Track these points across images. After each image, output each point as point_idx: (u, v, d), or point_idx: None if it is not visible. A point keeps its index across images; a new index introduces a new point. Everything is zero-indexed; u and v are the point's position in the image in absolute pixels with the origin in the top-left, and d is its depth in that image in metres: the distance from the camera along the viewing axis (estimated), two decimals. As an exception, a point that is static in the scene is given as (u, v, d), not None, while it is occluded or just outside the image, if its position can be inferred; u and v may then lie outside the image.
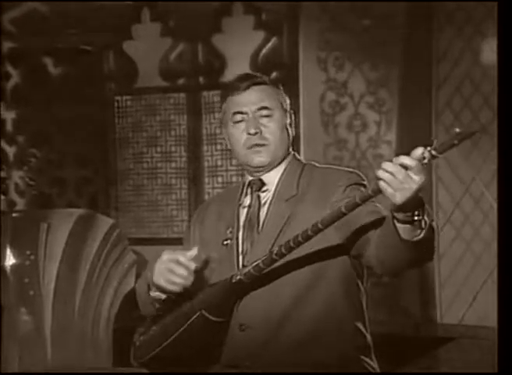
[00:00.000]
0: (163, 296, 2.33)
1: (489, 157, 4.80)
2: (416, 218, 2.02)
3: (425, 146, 1.94)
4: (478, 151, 4.87)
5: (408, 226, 2.03)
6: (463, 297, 5.02)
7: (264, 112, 2.40)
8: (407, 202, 1.98)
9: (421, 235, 2.04)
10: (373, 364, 2.40)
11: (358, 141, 5.28)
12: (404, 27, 5.17)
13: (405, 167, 1.95)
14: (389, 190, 1.97)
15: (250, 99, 2.40)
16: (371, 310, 2.42)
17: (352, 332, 2.36)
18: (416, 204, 2.00)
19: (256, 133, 2.38)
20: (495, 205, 4.80)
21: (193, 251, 2.29)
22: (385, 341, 2.71)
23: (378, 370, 2.40)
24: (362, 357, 2.37)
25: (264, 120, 2.40)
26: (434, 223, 2.09)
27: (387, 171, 1.96)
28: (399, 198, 1.97)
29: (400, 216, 2.02)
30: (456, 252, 5.02)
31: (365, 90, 5.28)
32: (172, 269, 2.24)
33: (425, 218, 2.03)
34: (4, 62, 5.75)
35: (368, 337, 2.39)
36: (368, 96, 5.27)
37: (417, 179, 1.96)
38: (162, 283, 2.26)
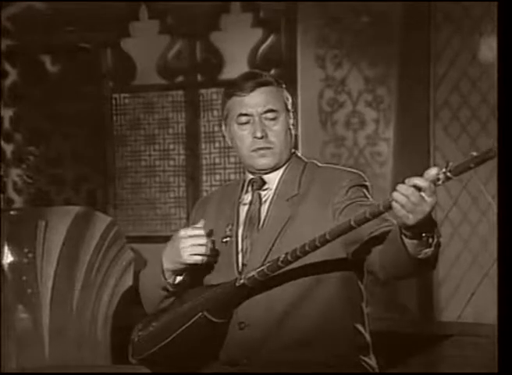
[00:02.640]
0: (177, 280, 2.35)
1: (487, 155, 4.79)
2: (424, 235, 2.04)
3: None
4: (475, 148, 4.87)
5: (416, 241, 2.04)
6: (460, 294, 5.02)
7: (270, 115, 2.39)
8: (419, 223, 1.99)
9: (428, 253, 2.05)
10: (372, 363, 2.40)
11: (356, 139, 5.28)
12: (402, 25, 5.17)
13: (418, 188, 1.96)
14: (402, 212, 1.98)
15: (256, 101, 2.39)
16: (368, 307, 2.42)
17: (351, 331, 2.36)
18: (427, 224, 2.02)
19: (262, 137, 2.38)
20: (492, 203, 4.81)
21: (200, 224, 2.32)
22: (382, 339, 2.71)
23: (376, 368, 2.40)
24: (361, 356, 2.37)
25: (270, 123, 2.39)
26: (441, 239, 2.11)
27: (402, 193, 1.96)
28: (411, 219, 1.99)
29: (408, 233, 2.03)
30: (454, 250, 5.02)
31: (363, 87, 5.27)
32: (199, 241, 2.29)
33: (434, 236, 2.05)
34: (1, 60, 5.75)
35: (367, 336, 2.40)
36: (366, 94, 5.27)
37: (430, 200, 1.97)
38: (189, 258, 2.30)
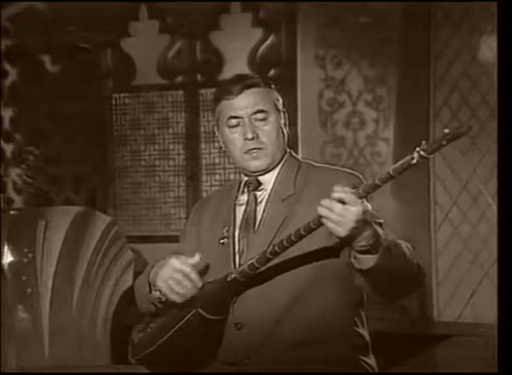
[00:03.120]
0: (163, 298, 2.33)
1: (487, 154, 4.80)
2: (363, 248, 2.07)
3: (414, 147, 1.97)
4: (475, 148, 4.87)
5: (367, 255, 2.08)
6: (460, 294, 5.02)
7: (260, 116, 2.39)
8: (352, 234, 2.02)
9: (372, 263, 2.07)
10: (371, 362, 2.40)
11: (356, 139, 5.28)
12: (402, 25, 5.17)
13: (341, 202, 2.00)
14: (331, 225, 2.02)
15: (244, 103, 2.39)
16: (367, 307, 2.42)
17: (349, 331, 2.36)
18: (363, 233, 2.05)
19: (253, 138, 2.38)
20: (492, 203, 4.81)
21: (196, 258, 2.29)
22: (381, 339, 2.71)
23: (376, 368, 2.40)
24: (360, 356, 2.37)
25: (260, 124, 2.39)
26: (407, 249, 2.15)
27: (324, 206, 1.99)
28: (342, 231, 2.02)
29: (354, 248, 2.08)
30: (454, 250, 5.02)
31: (363, 87, 5.27)
32: (179, 280, 2.25)
33: (379, 242, 2.07)
34: (1, 60, 5.75)
35: (366, 335, 2.40)
36: (366, 94, 5.27)
37: (354, 210, 1.99)
38: (166, 290, 2.27)
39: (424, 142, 1.95)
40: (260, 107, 2.39)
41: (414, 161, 1.95)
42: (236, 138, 2.40)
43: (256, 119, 2.39)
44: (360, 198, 2.02)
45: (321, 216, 2.03)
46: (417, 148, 1.94)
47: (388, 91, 5.23)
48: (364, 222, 2.03)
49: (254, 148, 2.38)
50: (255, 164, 2.39)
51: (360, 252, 2.09)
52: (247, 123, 2.38)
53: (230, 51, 5.52)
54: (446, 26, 5.08)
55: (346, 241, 2.06)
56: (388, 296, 2.29)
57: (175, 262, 2.26)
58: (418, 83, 5.13)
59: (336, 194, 2.00)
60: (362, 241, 2.06)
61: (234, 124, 2.40)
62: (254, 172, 2.41)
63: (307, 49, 5.33)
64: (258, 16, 5.51)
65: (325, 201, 2.00)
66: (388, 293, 2.26)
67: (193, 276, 2.25)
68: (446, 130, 1.93)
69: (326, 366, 2.30)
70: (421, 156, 1.94)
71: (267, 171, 2.42)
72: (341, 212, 1.99)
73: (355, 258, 2.11)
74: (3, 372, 4.29)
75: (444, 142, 1.93)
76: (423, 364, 4.67)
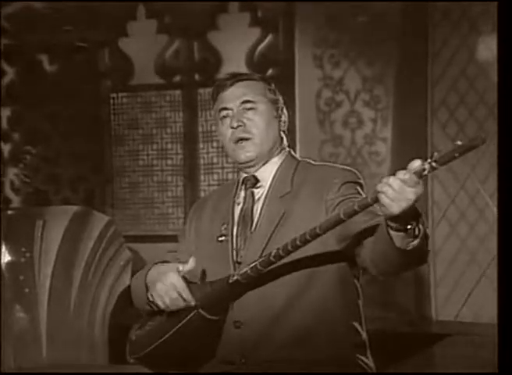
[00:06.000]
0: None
1: (484, 154, 4.80)
2: (409, 227, 2.05)
3: (425, 158, 1.96)
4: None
5: (402, 234, 2.05)
6: (458, 294, 5.03)
7: (248, 105, 2.41)
8: (404, 213, 2.00)
9: (415, 244, 2.06)
10: (368, 362, 2.40)
11: (354, 138, 5.29)
12: (400, 24, 5.17)
13: (402, 181, 1.98)
14: (386, 200, 1.99)
15: (234, 94, 2.41)
16: (365, 307, 2.42)
17: (347, 330, 2.36)
18: (412, 214, 2.03)
19: (239, 127, 2.39)
20: (490, 202, 4.81)
21: (191, 264, 2.30)
22: (380, 338, 2.71)
23: (373, 368, 2.40)
24: (357, 355, 2.37)
25: (249, 113, 2.41)
26: (428, 230, 2.11)
27: (385, 183, 1.98)
28: (396, 208, 2.00)
29: (394, 224, 2.04)
30: (452, 249, 5.03)
31: (361, 87, 5.28)
32: (173, 298, 2.28)
33: (420, 227, 2.05)
34: (-1, 59, 5.75)
35: (364, 334, 2.40)
36: (364, 93, 5.28)
37: (413, 190, 1.98)
38: (159, 302, 2.30)
39: (436, 153, 1.94)
40: (248, 97, 2.40)
41: (426, 172, 1.95)
42: (225, 129, 2.42)
43: (244, 109, 2.40)
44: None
45: (378, 192, 2.01)
46: (429, 160, 1.94)
47: (386, 90, 5.23)
48: (415, 203, 2.01)
49: (242, 139, 2.39)
50: (244, 155, 2.40)
51: (402, 231, 2.05)
52: (234, 113, 2.40)
53: (228, 51, 5.52)
54: (444, 25, 5.09)
55: (394, 219, 2.03)
56: (393, 274, 2.27)
57: (173, 279, 2.28)
58: (416, 83, 5.13)
59: (399, 175, 1.98)
60: (409, 221, 2.03)
61: (224, 115, 2.42)
62: (244, 163, 2.42)
63: (304, 49, 5.34)
64: (256, 15, 5.52)
65: (386, 178, 2.00)
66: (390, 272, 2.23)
67: (186, 296, 2.28)
68: (459, 142, 1.93)
69: (324, 364, 2.30)
70: (432, 167, 1.94)
71: (259, 164, 2.42)
72: (400, 189, 1.98)
73: (397, 238, 2.06)
74: (1, 372, 4.29)
75: (457, 154, 1.93)
76: (421, 363, 4.67)
